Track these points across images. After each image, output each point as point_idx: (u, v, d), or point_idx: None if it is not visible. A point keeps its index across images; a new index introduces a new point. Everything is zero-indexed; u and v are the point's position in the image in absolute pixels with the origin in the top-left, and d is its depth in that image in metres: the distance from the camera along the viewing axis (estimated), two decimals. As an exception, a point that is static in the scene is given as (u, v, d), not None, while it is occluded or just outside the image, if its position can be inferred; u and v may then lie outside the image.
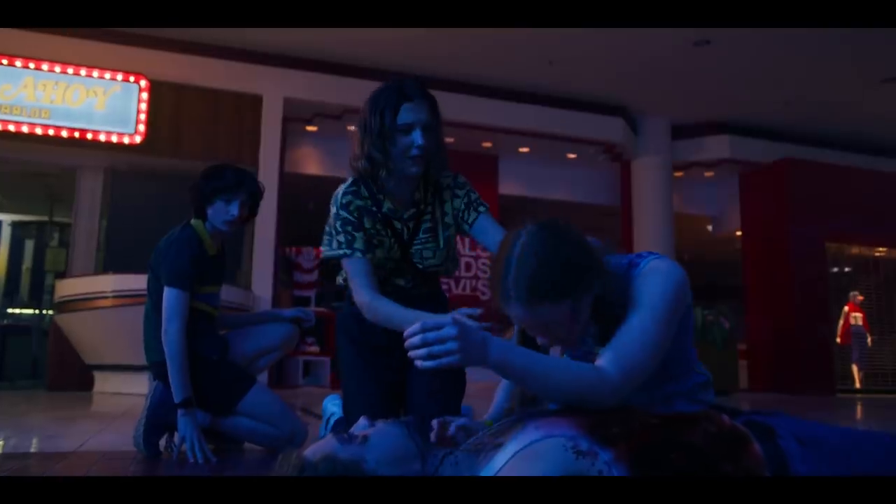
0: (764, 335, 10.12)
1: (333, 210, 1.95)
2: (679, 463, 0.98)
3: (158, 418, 2.31)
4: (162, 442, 2.40)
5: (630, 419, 1.05)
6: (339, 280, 2.12)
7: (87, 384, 6.64)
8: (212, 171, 2.49)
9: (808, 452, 1.01)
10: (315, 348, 9.01)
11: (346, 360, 2.05)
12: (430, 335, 1.10)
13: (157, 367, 2.35)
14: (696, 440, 1.02)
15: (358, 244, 1.89)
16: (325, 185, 9.61)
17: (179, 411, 2.23)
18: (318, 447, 1.11)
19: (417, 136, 1.79)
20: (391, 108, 1.82)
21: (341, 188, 1.97)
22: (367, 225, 1.92)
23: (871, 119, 10.03)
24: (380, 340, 1.96)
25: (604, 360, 1.18)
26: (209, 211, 2.45)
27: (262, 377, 7.40)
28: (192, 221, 2.49)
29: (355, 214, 1.91)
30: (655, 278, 1.29)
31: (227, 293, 6.89)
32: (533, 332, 1.26)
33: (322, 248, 1.98)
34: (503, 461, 1.02)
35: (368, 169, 1.85)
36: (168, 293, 2.31)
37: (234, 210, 2.44)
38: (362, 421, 1.17)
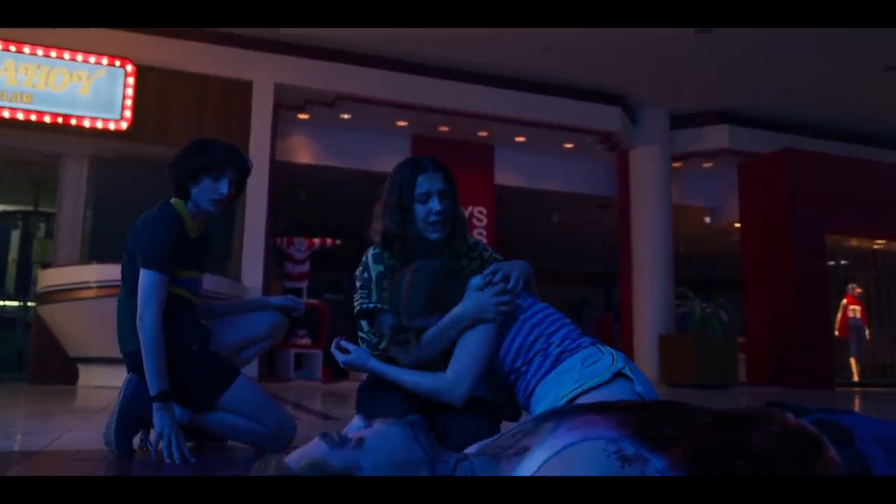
0: (763, 328, 9.99)
1: (374, 267, 2.01)
2: (743, 470, 0.80)
3: (132, 413, 2.11)
4: (136, 440, 2.20)
5: (681, 416, 0.87)
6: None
7: (71, 377, 6.46)
8: (198, 146, 2.28)
9: (895, 459, 0.84)
10: (307, 340, 8.84)
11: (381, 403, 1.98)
12: (335, 350, 1.93)
13: (131, 358, 2.15)
14: (761, 443, 0.84)
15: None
16: (317, 175, 9.63)
17: (155, 405, 2.03)
18: (303, 452, 0.92)
19: (434, 203, 1.94)
20: (407, 180, 1.96)
21: (369, 251, 2.06)
22: None
23: (873, 109, 9.89)
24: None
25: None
26: (194, 189, 2.25)
27: (251, 370, 7.23)
28: (172, 200, 2.29)
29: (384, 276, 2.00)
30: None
31: (217, 283, 6.74)
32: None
33: (356, 303, 2.02)
34: (532, 469, 0.84)
35: (386, 240, 1.99)
36: (144, 275, 2.11)
37: (224, 188, 2.24)
38: (356, 421, 0.98)
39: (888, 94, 9.32)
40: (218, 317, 2.40)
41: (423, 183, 1.94)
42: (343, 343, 1.91)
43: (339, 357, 1.90)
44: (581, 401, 1.56)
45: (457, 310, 1.78)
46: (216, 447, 2.32)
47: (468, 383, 1.73)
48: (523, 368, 1.76)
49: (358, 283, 2.02)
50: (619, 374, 1.63)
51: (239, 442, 2.30)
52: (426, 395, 1.77)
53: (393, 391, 1.88)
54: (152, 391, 2.04)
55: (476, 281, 1.82)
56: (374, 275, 1.98)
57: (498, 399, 1.89)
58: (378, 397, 1.93)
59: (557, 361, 1.71)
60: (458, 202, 2.04)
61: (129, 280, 2.18)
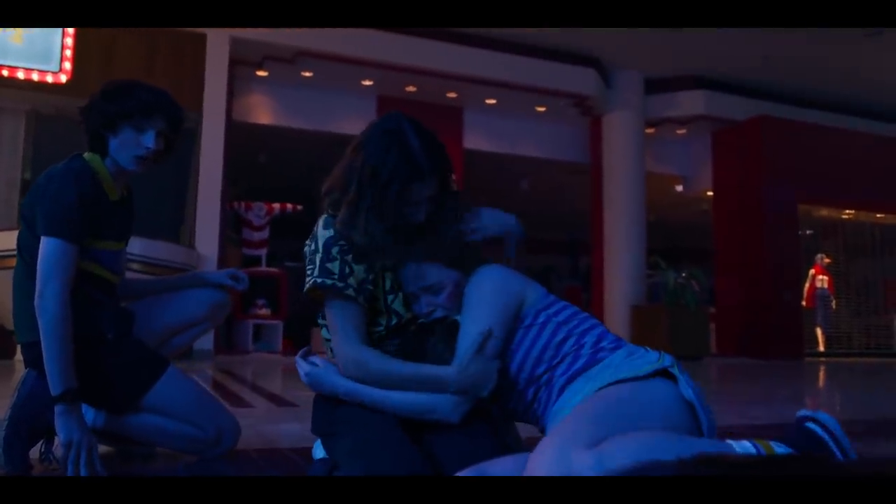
0: (733, 299, 9.86)
1: (327, 234, 1.59)
2: None
3: (28, 418, 1.70)
4: (36, 451, 1.79)
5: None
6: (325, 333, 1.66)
7: (9, 352, 5.99)
8: (118, 88, 1.86)
9: None
10: (266, 311, 8.43)
11: (349, 412, 1.55)
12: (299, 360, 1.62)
13: (30, 350, 1.74)
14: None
15: (353, 280, 1.55)
16: (277, 136, 9.12)
17: (57, 408, 1.62)
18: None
19: (421, 213, 1.61)
20: (402, 184, 1.55)
21: (321, 219, 1.64)
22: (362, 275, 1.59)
23: (854, 75, 9.67)
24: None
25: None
26: (113, 142, 1.84)
27: (206, 342, 6.80)
28: (86, 154, 1.87)
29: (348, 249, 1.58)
30: (472, 285, 1.55)
31: (169, 251, 6.27)
32: (424, 292, 1.57)
33: (307, 280, 1.59)
34: None
35: (366, 245, 1.56)
36: (46, 245, 1.69)
37: (149, 141, 1.83)
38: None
39: (869, 61, 9.10)
40: (144, 296, 2.00)
41: (418, 192, 1.58)
42: (312, 358, 1.60)
43: (303, 369, 1.58)
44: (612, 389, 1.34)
45: (441, 371, 1.45)
46: (143, 453, 1.93)
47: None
48: (545, 377, 1.45)
49: (307, 259, 1.62)
50: (661, 373, 1.39)
51: (170, 448, 1.92)
52: (421, 413, 1.47)
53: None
54: (54, 390, 1.62)
55: (466, 347, 1.46)
56: (321, 243, 1.57)
57: (497, 414, 1.56)
58: (343, 408, 1.53)
59: (594, 361, 1.44)
60: (449, 190, 1.69)
61: (27, 252, 1.76)
